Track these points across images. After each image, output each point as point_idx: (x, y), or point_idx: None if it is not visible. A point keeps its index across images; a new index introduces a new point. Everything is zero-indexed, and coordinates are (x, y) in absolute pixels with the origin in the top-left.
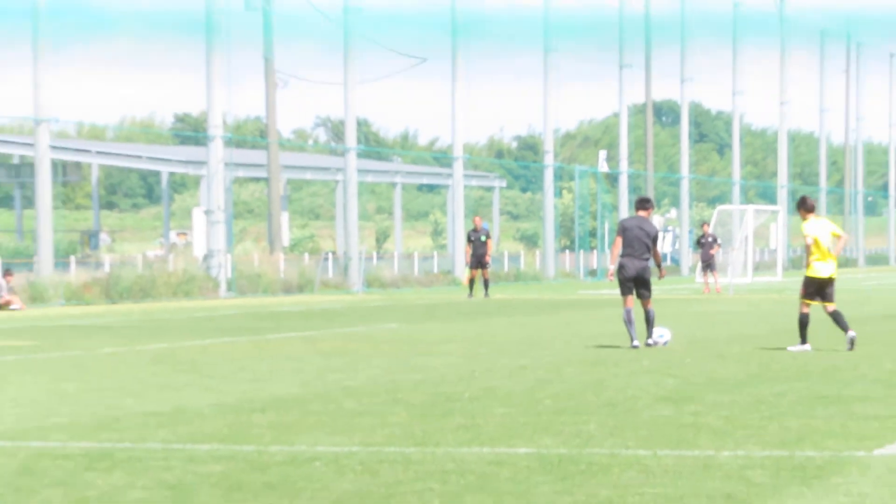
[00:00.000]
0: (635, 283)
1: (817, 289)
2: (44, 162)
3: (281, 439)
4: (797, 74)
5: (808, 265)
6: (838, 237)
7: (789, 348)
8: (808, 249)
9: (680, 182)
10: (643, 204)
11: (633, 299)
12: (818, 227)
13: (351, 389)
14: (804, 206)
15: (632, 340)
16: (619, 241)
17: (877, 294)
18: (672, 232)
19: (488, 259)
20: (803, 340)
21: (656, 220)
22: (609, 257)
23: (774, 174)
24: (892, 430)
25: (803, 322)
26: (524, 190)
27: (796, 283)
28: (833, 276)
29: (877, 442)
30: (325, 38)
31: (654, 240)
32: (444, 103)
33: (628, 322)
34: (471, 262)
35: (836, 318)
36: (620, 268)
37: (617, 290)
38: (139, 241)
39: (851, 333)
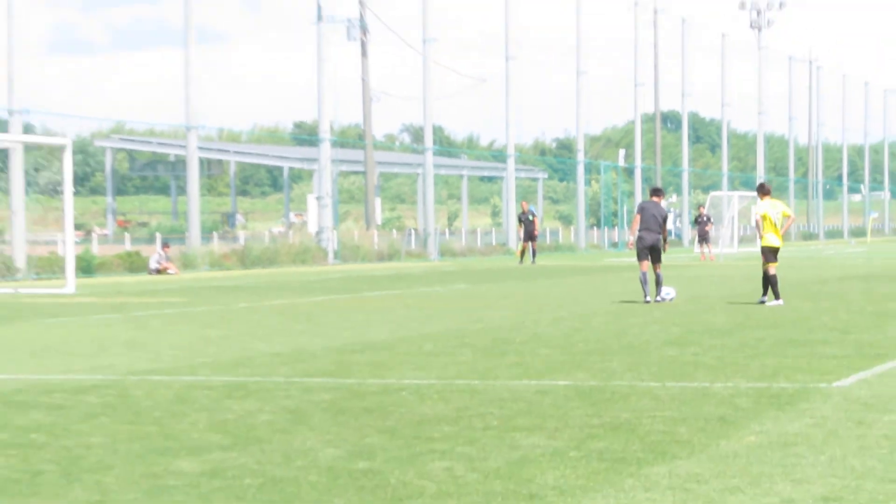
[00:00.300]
0: (650, 252)
1: (773, 253)
2: (193, 159)
3: (375, 374)
4: (772, 91)
5: (761, 237)
6: (787, 216)
7: (768, 303)
8: (757, 224)
9: (681, 174)
10: (657, 192)
11: (647, 264)
12: (769, 206)
13: (429, 335)
14: (762, 190)
15: (645, 296)
16: (638, 218)
17: (834, 261)
18: (674, 212)
19: (536, 234)
20: (777, 296)
21: (663, 204)
22: (629, 231)
23: (754, 168)
24: (847, 367)
25: (773, 281)
26: (561, 180)
27: None
28: (779, 247)
29: (835, 376)
30: (408, 63)
31: (664, 220)
32: (499, 113)
33: (643, 282)
34: (524, 237)
35: (769, 280)
36: (639, 239)
37: (634, 259)
38: (266, 221)
39: (765, 299)
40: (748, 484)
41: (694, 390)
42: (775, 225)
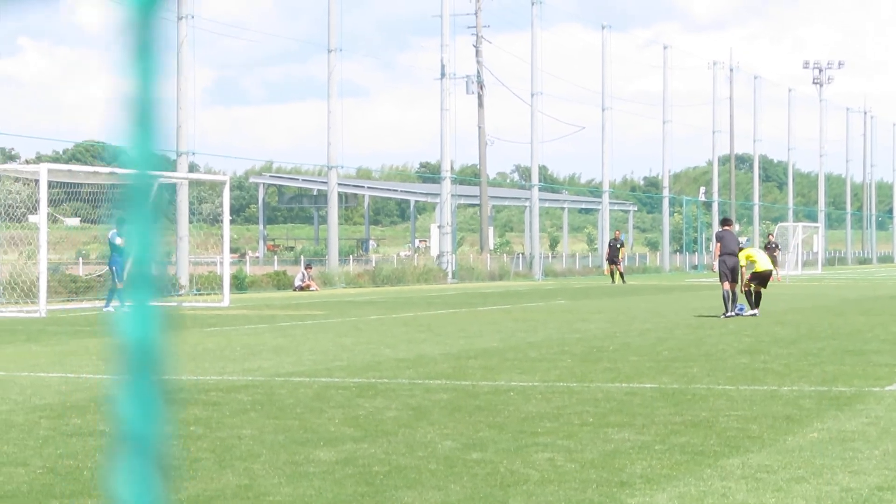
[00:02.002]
0: (731, 273)
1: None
2: (333, 194)
3: (487, 377)
4: (831, 136)
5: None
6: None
7: (746, 313)
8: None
9: (752, 207)
10: (727, 221)
11: (729, 284)
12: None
13: (533, 344)
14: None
15: (725, 311)
16: (719, 245)
17: (885, 282)
18: (747, 240)
19: (620, 259)
20: (752, 306)
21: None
22: (713, 256)
23: (816, 202)
24: None
25: (759, 297)
26: (649, 212)
27: (832, 275)
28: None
29: (888, 381)
30: (518, 112)
31: (739, 246)
32: (596, 154)
33: (726, 298)
34: (609, 259)
35: (747, 294)
36: (721, 262)
37: (711, 279)
38: (395, 246)
39: (748, 310)
40: (811, 474)
41: (764, 392)
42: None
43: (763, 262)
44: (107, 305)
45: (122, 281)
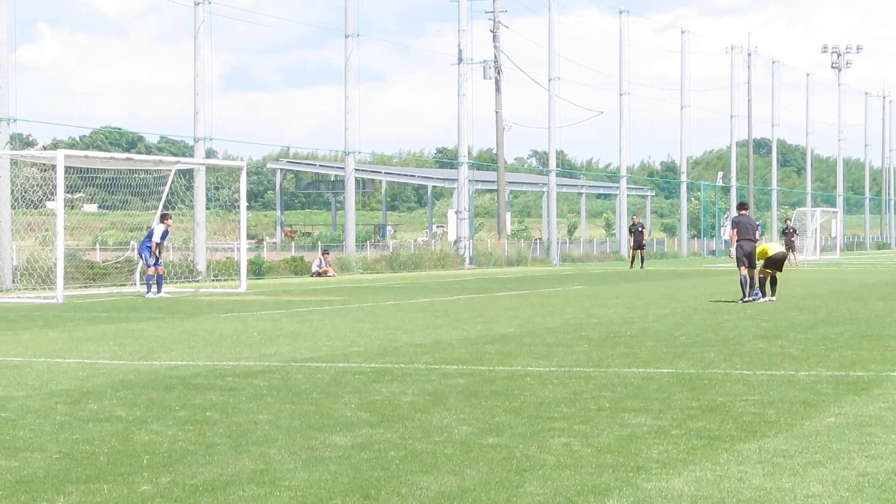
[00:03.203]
0: (748, 258)
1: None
2: (350, 179)
3: (504, 362)
4: (850, 121)
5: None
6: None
7: (761, 299)
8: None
9: (770, 192)
10: (744, 206)
11: (746, 269)
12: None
13: (550, 329)
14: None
15: (743, 296)
16: (735, 231)
17: None
18: (762, 224)
19: (644, 243)
20: (764, 294)
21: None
22: (730, 242)
23: (834, 187)
24: None
25: (775, 282)
26: (667, 198)
27: (850, 260)
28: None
29: None
30: (536, 97)
31: (756, 229)
32: (614, 139)
33: (743, 283)
34: (633, 245)
35: (762, 281)
36: (738, 247)
37: (728, 264)
38: (412, 231)
39: (763, 297)
40: (828, 459)
41: (781, 377)
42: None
43: (775, 248)
44: (148, 291)
45: (155, 265)
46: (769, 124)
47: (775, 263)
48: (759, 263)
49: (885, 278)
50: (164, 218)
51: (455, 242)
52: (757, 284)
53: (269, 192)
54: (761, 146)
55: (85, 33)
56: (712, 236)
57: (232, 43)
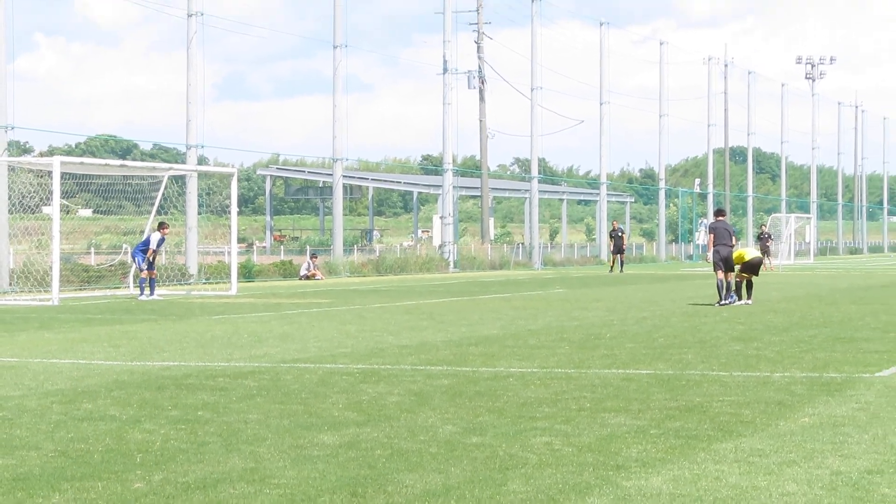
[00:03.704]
0: (724, 262)
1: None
2: (338, 185)
3: (487, 363)
4: (823, 130)
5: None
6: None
7: (738, 302)
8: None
9: (746, 199)
10: (720, 212)
11: (722, 273)
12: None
13: (532, 331)
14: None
15: (720, 300)
16: (712, 236)
17: (876, 271)
18: (737, 230)
19: (623, 248)
20: (740, 297)
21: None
22: (707, 247)
23: (808, 194)
24: (887, 360)
25: (750, 286)
26: (646, 204)
27: (825, 265)
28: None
29: (877, 368)
30: (518, 106)
31: (733, 234)
32: (594, 147)
33: (720, 287)
34: (613, 250)
35: (742, 286)
36: (715, 252)
37: (706, 269)
38: (398, 236)
39: (739, 300)
40: (802, 458)
41: (756, 379)
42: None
43: (751, 252)
44: (141, 294)
45: (148, 269)
46: (745, 133)
47: (751, 268)
48: (736, 268)
49: (857, 283)
50: (161, 226)
51: (440, 247)
52: (733, 288)
53: (259, 197)
54: (737, 154)
55: (80, 43)
56: (690, 241)
57: (224, 53)
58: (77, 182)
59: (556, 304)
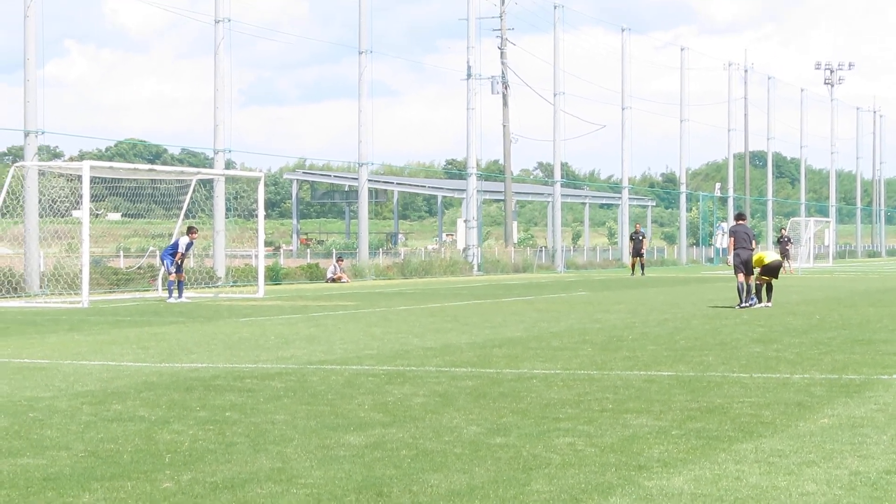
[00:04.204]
0: (744, 266)
1: (768, 270)
2: (363, 189)
3: (511, 365)
4: (842, 134)
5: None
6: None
7: (757, 305)
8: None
9: (766, 203)
10: (741, 216)
11: (743, 276)
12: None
13: (555, 333)
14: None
15: (740, 302)
16: (732, 240)
17: (894, 274)
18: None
19: (644, 251)
20: (760, 300)
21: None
22: (728, 251)
23: (827, 198)
24: None
25: (770, 288)
26: (667, 208)
27: (843, 268)
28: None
29: (895, 370)
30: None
31: (753, 238)
32: (616, 152)
33: (740, 290)
34: (632, 252)
35: (758, 288)
36: (735, 255)
37: (726, 272)
38: (423, 239)
39: (759, 303)
40: (822, 458)
41: (776, 380)
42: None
43: (770, 256)
44: (169, 296)
45: (176, 272)
46: (765, 137)
47: (771, 271)
48: (756, 271)
49: (875, 285)
50: (190, 230)
51: (464, 250)
52: (753, 291)
53: (285, 201)
54: (757, 158)
55: (110, 49)
56: (710, 245)
57: (251, 59)
58: (106, 186)
59: (579, 307)
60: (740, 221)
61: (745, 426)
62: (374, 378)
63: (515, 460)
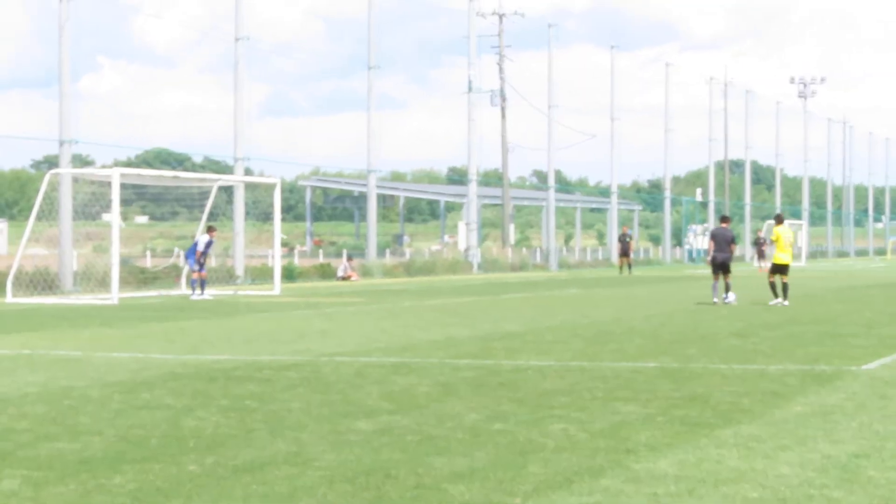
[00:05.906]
0: (721, 267)
1: (778, 269)
2: (372, 194)
3: (508, 357)
4: (814, 144)
5: (774, 255)
6: (793, 242)
7: (770, 302)
8: (774, 244)
9: (744, 207)
10: (725, 219)
11: (718, 276)
12: (785, 231)
13: (549, 328)
14: (778, 219)
15: (713, 299)
16: (712, 242)
17: (861, 273)
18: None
19: (631, 252)
20: (776, 296)
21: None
22: (707, 252)
23: (800, 202)
24: (871, 354)
25: (773, 287)
26: (652, 211)
27: (815, 268)
28: (789, 263)
29: (863, 361)
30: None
31: (732, 240)
32: (605, 159)
33: (714, 288)
34: (621, 253)
35: (785, 287)
36: (713, 258)
37: (707, 271)
38: (426, 241)
39: (781, 301)
40: (796, 443)
41: (753, 371)
42: (786, 246)
43: (780, 257)
44: (193, 294)
45: (199, 270)
46: (743, 147)
47: (779, 269)
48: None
49: (844, 283)
50: (209, 230)
51: (465, 251)
52: (729, 289)
53: (300, 205)
54: (736, 166)
55: (139, 65)
56: (682, 245)
57: (269, 74)
58: (134, 191)
59: (571, 303)
60: (723, 224)
61: (724, 413)
62: (381, 369)
63: (513, 445)
